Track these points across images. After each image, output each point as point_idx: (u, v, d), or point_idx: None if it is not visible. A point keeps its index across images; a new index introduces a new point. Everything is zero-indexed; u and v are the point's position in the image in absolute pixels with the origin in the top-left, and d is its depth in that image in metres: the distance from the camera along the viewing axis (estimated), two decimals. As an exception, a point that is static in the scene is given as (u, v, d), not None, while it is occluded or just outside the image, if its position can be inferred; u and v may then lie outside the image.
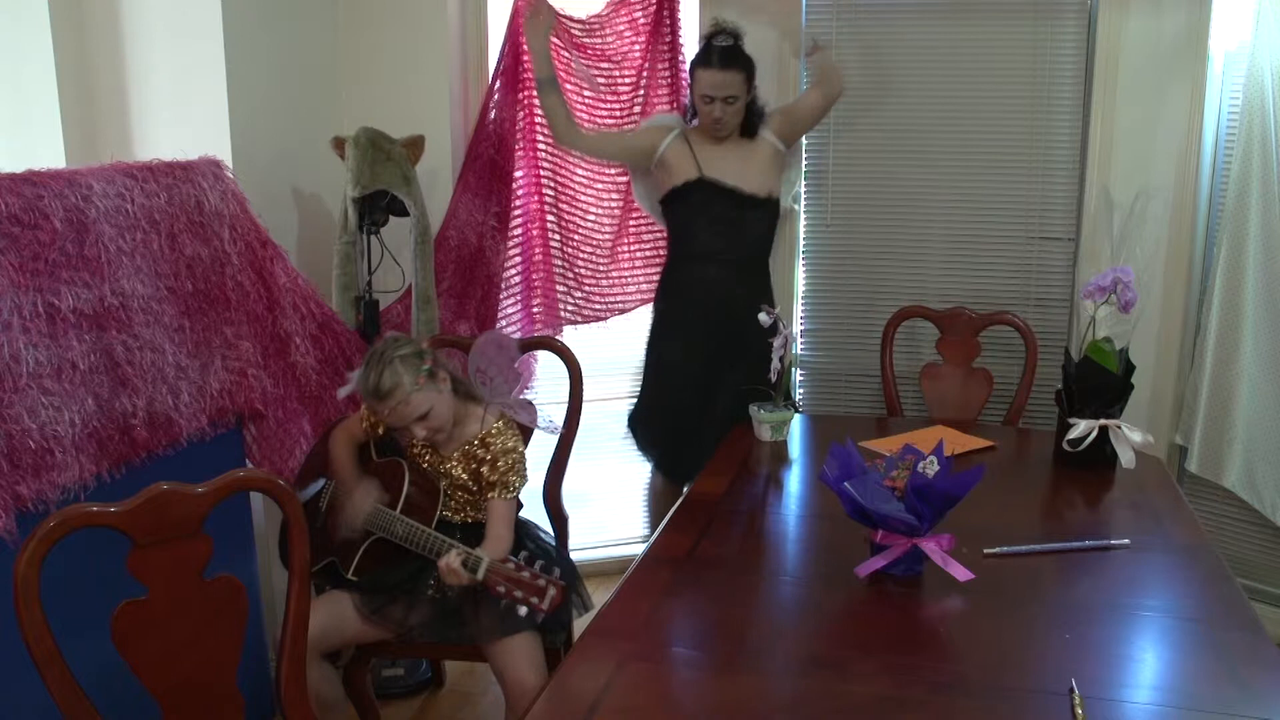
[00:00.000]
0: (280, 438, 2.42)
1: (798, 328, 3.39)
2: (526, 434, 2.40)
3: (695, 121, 2.94)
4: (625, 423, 3.10)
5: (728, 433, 2.72)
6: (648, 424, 3.04)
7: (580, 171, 3.24)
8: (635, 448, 3.11)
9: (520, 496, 2.34)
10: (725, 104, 2.79)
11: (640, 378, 3.07)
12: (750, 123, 2.91)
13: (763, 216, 2.93)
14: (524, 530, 2.35)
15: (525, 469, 2.22)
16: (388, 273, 2.81)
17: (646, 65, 3.20)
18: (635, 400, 3.09)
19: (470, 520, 2.23)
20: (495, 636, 2.06)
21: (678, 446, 2.97)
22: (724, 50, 2.80)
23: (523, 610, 1.87)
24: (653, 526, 3.15)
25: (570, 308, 3.32)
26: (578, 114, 3.22)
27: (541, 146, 3.20)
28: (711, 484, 2.33)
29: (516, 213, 3.18)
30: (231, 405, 2.27)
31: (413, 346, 2.13)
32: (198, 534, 1.50)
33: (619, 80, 3.22)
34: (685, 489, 2.99)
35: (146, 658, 1.48)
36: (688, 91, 3.01)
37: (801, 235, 3.34)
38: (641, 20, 3.18)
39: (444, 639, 2.17)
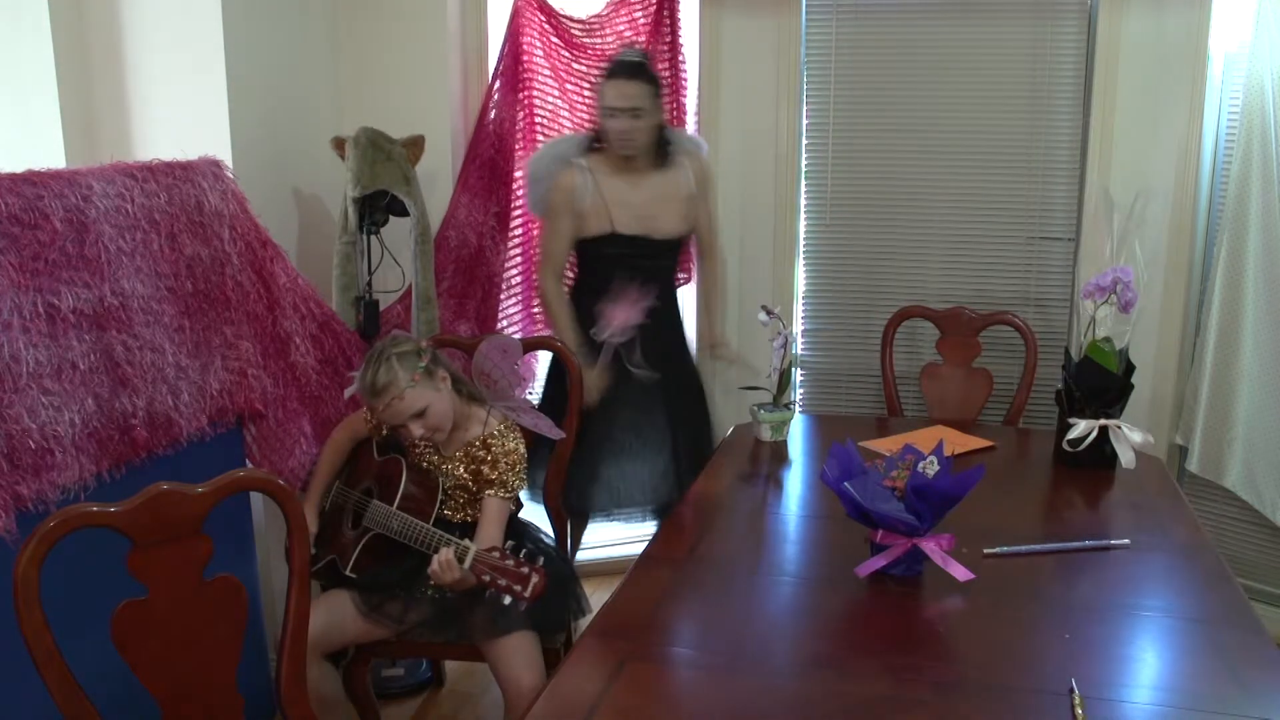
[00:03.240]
0: (280, 438, 2.42)
1: (798, 328, 3.39)
2: (527, 436, 2.40)
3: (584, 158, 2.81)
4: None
5: (640, 471, 2.78)
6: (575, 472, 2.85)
7: (580, 171, 3.24)
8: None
9: (520, 497, 2.34)
10: (631, 116, 2.68)
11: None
12: (664, 150, 2.80)
13: (673, 255, 2.86)
14: (524, 531, 2.35)
15: (525, 471, 2.22)
16: (388, 273, 2.81)
17: (646, 65, 3.20)
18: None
19: (470, 519, 2.23)
20: (491, 635, 2.06)
21: (580, 481, 2.83)
22: (629, 63, 2.73)
23: (506, 599, 1.87)
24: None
25: (570, 308, 3.31)
26: (577, 114, 3.23)
27: (541, 146, 3.20)
28: (711, 484, 2.33)
29: (517, 213, 3.19)
30: (231, 405, 2.27)
31: (412, 345, 2.15)
32: (198, 534, 1.50)
33: (619, 80, 3.22)
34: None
35: (146, 658, 1.48)
36: (598, 112, 2.82)
37: (801, 235, 3.34)
38: (641, 20, 3.18)
39: (442, 637, 2.17)
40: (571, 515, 2.89)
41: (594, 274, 2.83)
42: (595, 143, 2.82)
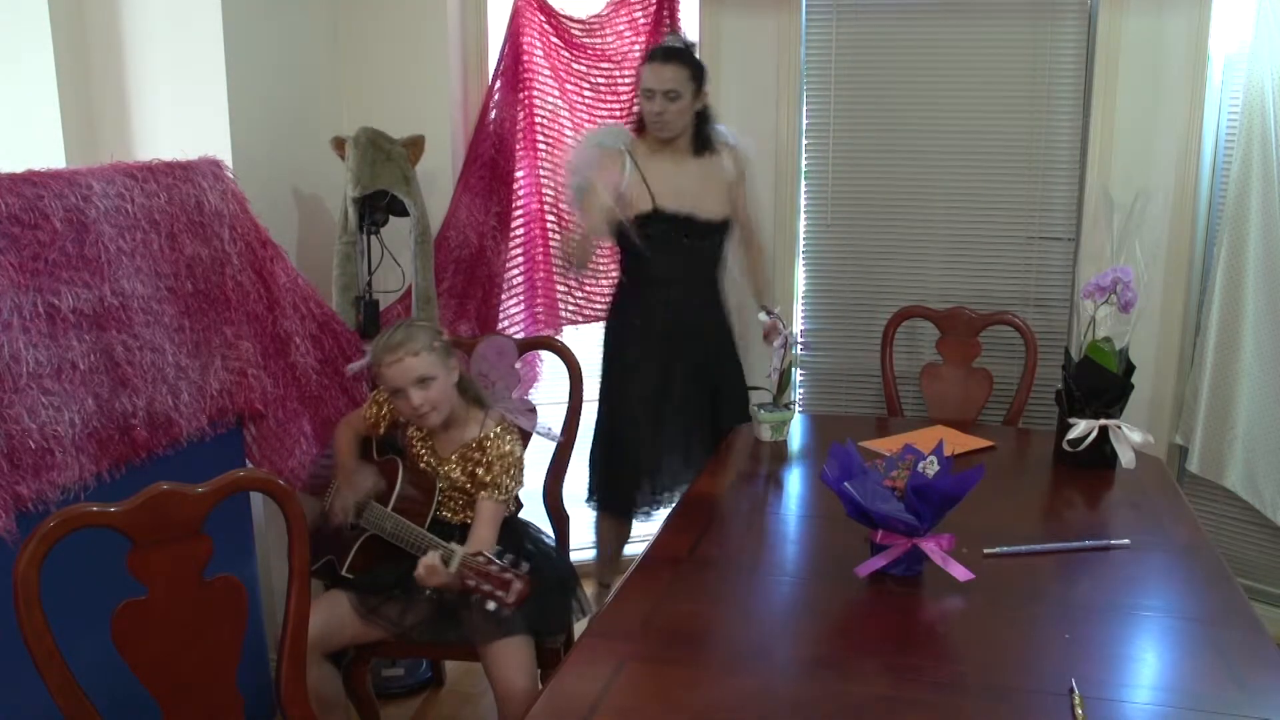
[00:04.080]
0: (280, 438, 2.42)
1: (798, 328, 3.39)
2: (526, 437, 2.40)
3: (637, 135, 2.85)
4: (587, 494, 2.99)
5: (687, 457, 2.78)
6: (606, 456, 2.93)
7: (580, 171, 3.24)
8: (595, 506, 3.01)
9: (520, 497, 2.34)
10: (666, 99, 2.69)
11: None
12: (702, 136, 2.81)
13: (718, 239, 2.86)
14: (524, 531, 2.35)
15: (521, 474, 2.22)
16: (388, 273, 2.81)
17: (646, 65, 3.20)
18: (592, 451, 2.95)
19: (468, 520, 2.23)
20: (486, 638, 2.06)
21: (633, 476, 2.87)
22: (667, 47, 2.76)
23: (490, 605, 1.88)
24: (601, 566, 3.10)
25: (571, 308, 3.32)
26: (577, 114, 3.23)
27: (541, 147, 3.20)
28: (711, 484, 2.33)
29: (518, 213, 3.19)
30: (231, 405, 2.27)
31: (434, 325, 2.23)
32: (198, 534, 1.50)
33: (619, 80, 3.22)
34: (631, 520, 3.01)
35: (146, 658, 1.48)
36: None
37: (801, 235, 3.34)
38: (641, 20, 3.19)
39: (441, 639, 2.17)
40: (614, 516, 2.97)
41: (638, 257, 2.80)
42: (637, 127, 2.85)
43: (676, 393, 2.84)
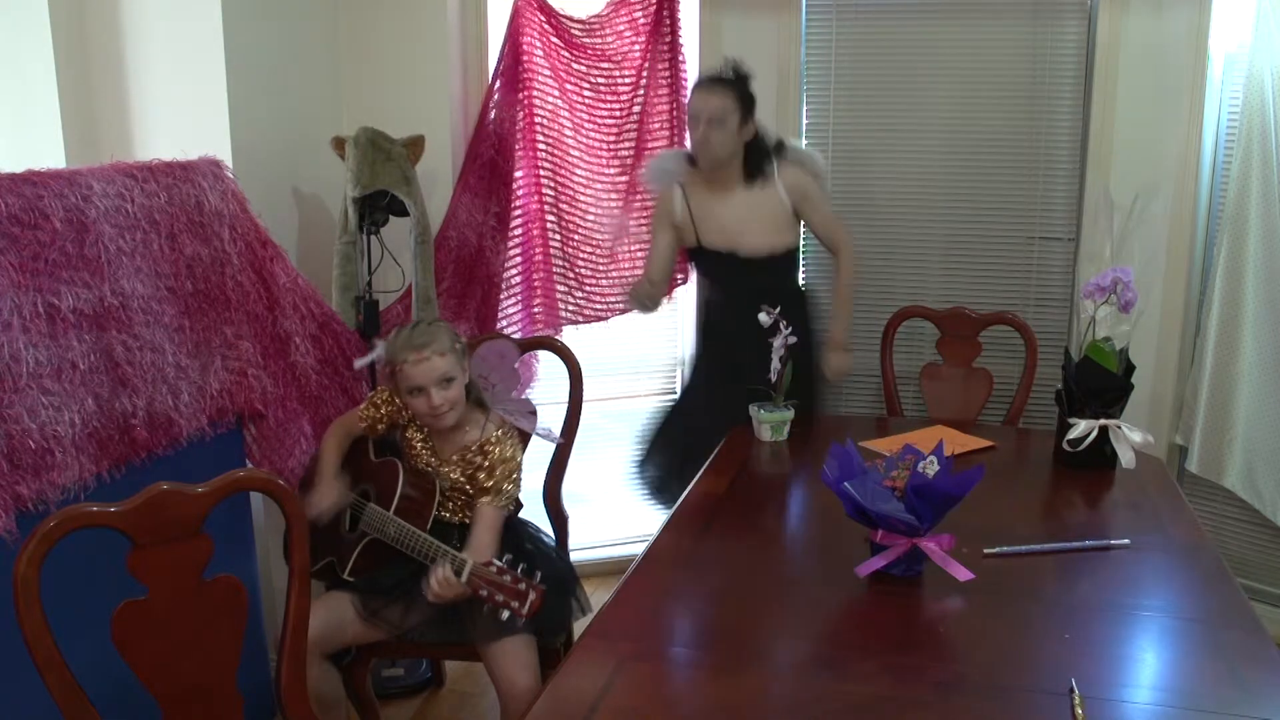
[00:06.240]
0: (280, 438, 2.42)
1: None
2: (525, 437, 2.40)
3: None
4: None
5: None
6: (654, 454, 3.03)
7: (579, 172, 3.24)
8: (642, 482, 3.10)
9: (520, 496, 2.34)
10: (710, 126, 2.68)
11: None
12: (753, 165, 2.78)
13: (767, 273, 2.82)
14: (524, 531, 2.35)
15: (520, 480, 2.23)
16: (388, 273, 2.81)
17: (646, 65, 3.21)
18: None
19: (466, 521, 2.23)
20: (490, 638, 2.06)
21: (671, 482, 2.91)
22: (714, 73, 2.76)
23: (504, 614, 1.88)
24: None
25: (571, 308, 3.32)
26: (577, 114, 3.22)
27: (541, 147, 3.20)
28: (711, 484, 2.33)
29: (517, 213, 3.18)
30: (231, 405, 2.27)
31: (451, 327, 2.24)
32: (198, 534, 1.51)
33: (619, 80, 3.22)
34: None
35: (146, 658, 1.48)
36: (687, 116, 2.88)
37: (801, 235, 3.33)
38: (641, 20, 3.18)
39: (442, 639, 2.17)
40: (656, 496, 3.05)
41: (702, 282, 3.08)
42: (692, 156, 2.85)
43: (726, 425, 2.75)
